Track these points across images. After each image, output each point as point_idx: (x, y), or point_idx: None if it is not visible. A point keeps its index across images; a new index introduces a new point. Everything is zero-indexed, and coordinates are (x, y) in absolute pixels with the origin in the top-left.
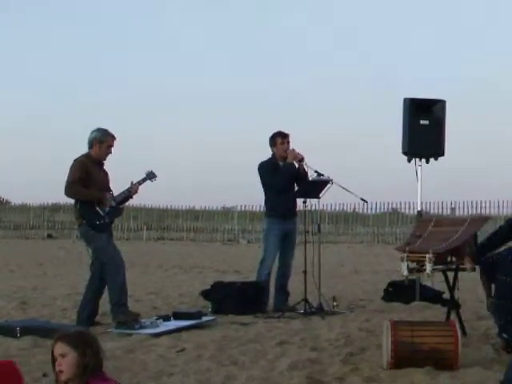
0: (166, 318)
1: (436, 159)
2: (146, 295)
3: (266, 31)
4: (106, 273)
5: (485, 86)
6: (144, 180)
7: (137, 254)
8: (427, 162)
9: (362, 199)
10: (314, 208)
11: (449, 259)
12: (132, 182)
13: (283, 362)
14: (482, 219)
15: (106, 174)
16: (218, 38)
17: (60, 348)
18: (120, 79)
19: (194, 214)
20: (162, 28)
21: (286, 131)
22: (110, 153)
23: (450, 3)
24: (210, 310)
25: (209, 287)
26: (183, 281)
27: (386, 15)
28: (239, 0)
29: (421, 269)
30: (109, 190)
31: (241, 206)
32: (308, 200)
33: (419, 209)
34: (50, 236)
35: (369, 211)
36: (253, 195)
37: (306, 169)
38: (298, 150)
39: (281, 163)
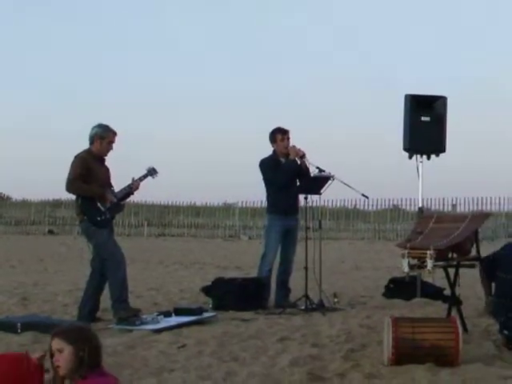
0: (167, 314)
1: (437, 156)
2: (146, 291)
3: (265, 31)
4: (107, 269)
5: (486, 85)
6: (145, 176)
7: (138, 250)
8: (428, 158)
9: (363, 195)
10: (315, 204)
11: (450, 256)
12: (133, 179)
13: (284, 358)
14: (483, 216)
15: (107, 169)
16: (218, 38)
17: (57, 343)
18: (120, 79)
19: (195, 210)
20: (162, 28)
21: (287, 128)
22: (111, 149)
23: (451, 2)
24: (210, 306)
25: (210, 283)
26: (184, 277)
27: (387, 15)
28: (239, 0)
29: (422, 265)
30: (110, 186)
31: (242, 202)
32: (309, 196)
33: (420, 205)
34: (50, 232)
35: (370, 208)
36: (254, 191)
37: (307, 165)
38: (298, 147)
39: (282, 159)
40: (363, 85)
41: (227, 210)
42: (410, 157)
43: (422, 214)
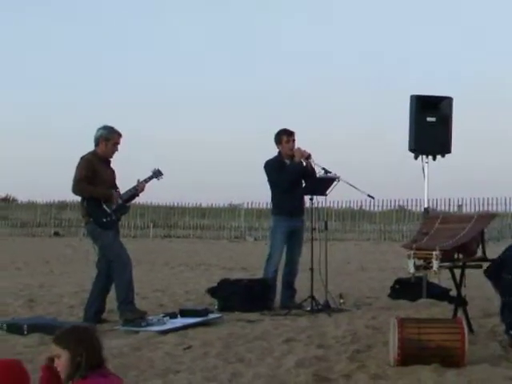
0: (173, 316)
1: (443, 156)
2: (152, 292)
3: (265, 31)
4: (113, 270)
5: (492, 85)
6: (150, 178)
7: (143, 252)
8: (434, 159)
9: (369, 195)
10: (320, 205)
11: (456, 256)
12: (138, 180)
13: (290, 359)
14: (489, 216)
15: (112, 171)
16: (218, 38)
17: (54, 349)
18: (120, 79)
19: (200, 212)
20: (162, 28)
21: (292, 129)
22: (117, 150)
23: (453, 2)
24: (216, 307)
25: (215, 284)
26: (190, 278)
27: (387, 15)
28: (239, 0)
29: (427, 266)
30: (115, 187)
31: (247, 203)
32: (315, 197)
33: (426, 206)
34: (56, 234)
35: (375, 208)
36: (259, 192)
37: (313, 166)
38: (304, 148)
39: (287, 161)
40: (370, 82)
41: (233, 211)
42: (416, 157)
43: (428, 215)
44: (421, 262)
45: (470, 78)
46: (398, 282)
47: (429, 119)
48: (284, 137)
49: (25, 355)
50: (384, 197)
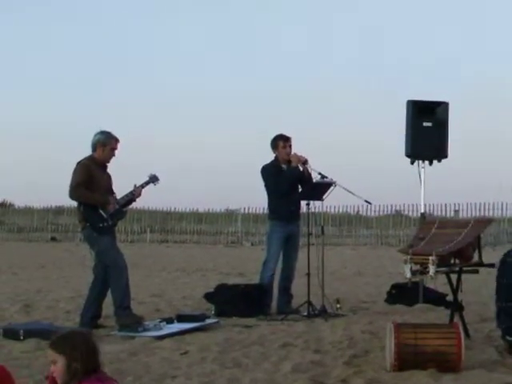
0: (170, 321)
1: (439, 161)
2: (149, 298)
3: (266, 31)
4: (109, 275)
5: (488, 88)
6: (147, 183)
7: (140, 257)
8: (430, 163)
9: (366, 201)
10: (317, 210)
11: (452, 261)
12: (135, 185)
13: (286, 364)
14: (486, 221)
15: (109, 176)
16: (218, 38)
17: (51, 355)
18: (121, 80)
19: (197, 217)
20: (162, 28)
21: (288, 134)
22: (114, 155)
23: (454, 3)
24: (213, 312)
25: (212, 290)
26: (187, 283)
27: (389, 15)
28: (239, 0)
29: (424, 271)
30: (112, 192)
31: (244, 208)
32: (311, 202)
33: (422, 211)
34: (53, 239)
35: (372, 213)
36: (256, 197)
37: (309, 171)
38: (300, 153)
39: (284, 166)
40: (366, 86)
41: (230, 216)
42: (412, 162)
43: (425, 220)
44: (417, 267)
45: (467, 81)
46: (395, 286)
47: (425, 124)
48: (280, 142)
49: (21, 360)
50: (381, 202)
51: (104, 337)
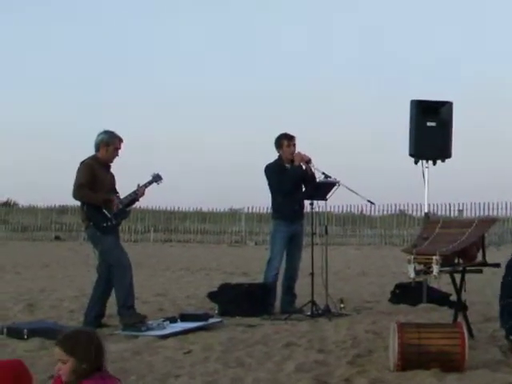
0: (173, 320)
1: (443, 161)
2: (153, 297)
3: (266, 31)
4: (113, 275)
5: (489, 87)
6: (150, 183)
7: (144, 256)
8: (434, 163)
9: (369, 201)
10: (321, 210)
11: (456, 261)
12: (138, 185)
13: (290, 363)
14: (490, 221)
15: (112, 176)
16: (218, 38)
17: (59, 354)
18: (121, 81)
19: (201, 216)
20: (162, 28)
21: (292, 133)
22: (117, 155)
23: (454, 3)
24: (216, 311)
25: (216, 289)
26: (190, 283)
27: (391, 16)
28: (239, 0)
29: (428, 271)
30: (115, 192)
31: (248, 207)
32: (315, 202)
33: (426, 211)
34: (57, 238)
35: (376, 213)
36: (260, 197)
37: (313, 170)
38: (304, 152)
39: (287, 165)
40: (368, 85)
41: (233, 215)
42: (416, 162)
43: (428, 220)
44: (421, 267)
45: (469, 81)
46: (399, 286)
47: (429, 124)
48: (285, 141)
49: (25, 360)
50: (385, 201)
51: (108, 336)
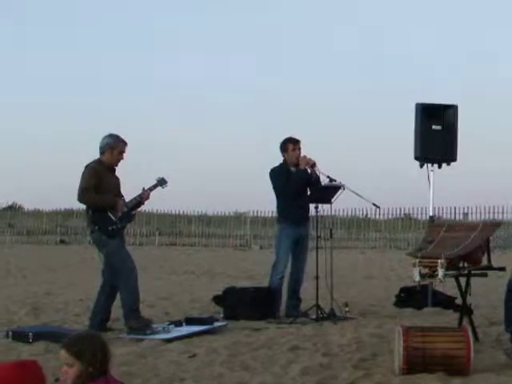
0: (178, 324)
1: (448, 164)
2: (158, 300)
3: (266, 31)
4: (119, 278)
5: (497, 90)
6: (155, 186)
7: (149, 260)
8: (439, 167)
9: (374, 204)
10: (326, 213)
11: (461, 265)
12: (143, 189)
13: (295, 367)
14: (495, 224)
15: (117, 179)
16: (219, 40)
17: (65, 357)
18: (123, 83)
19: (206, 220)
20: (163, 29)
21: (297, 137)
22: (122, 159)
23: (456, 5)
24: (221, 315)
25: (221, 293)
26: (195, 286)
27: (393, 18)
28: (240, 1)
29: (433, 274)
30: (120, 195)
31: (253, 211)
32: (320, 205)
33: (431, 214)
34: (62, 241)
35: (381, 217)
36: (265, 200)
37: (318, 174)
38: (309, 156)
39: (292, 169)
40: (375, 88)
41: (238, 219)
42: (421, 166)
43: (433, 223)
44: (426, 271)
45: (476, 83)
46: (404, 290)
47: (434, 127)
48: (290, 145)
49: None
50: (390, 205)
51: (113, 339)
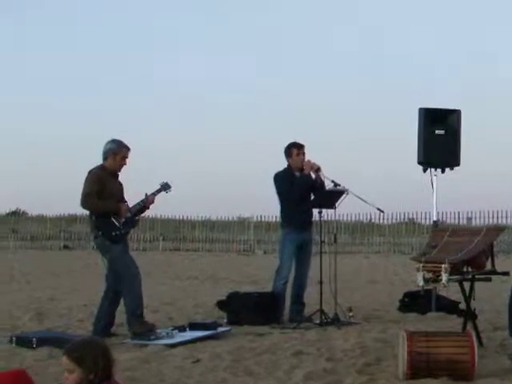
0: (182, 329)
1: (452, 169)
2: (161, 306)
3: (266, 32)
4: (122, 283)
5: (497, 90)
6: (159, 191)
7: (153, 265)
8: (443, 171)
9: (379, 209)
10: (329, 218)
11: (465, 269)
12: (146, 194)
13: (299, 372)
14: (498, 229)
15: (120, 185)
16: (220, 41)
17: (66, 364)
18: (123, 83)
19: (209, 225)
20: (162, 30)
21: (299, 139)
22: (125, 164)
23: (459, 7)
24: (225, 320)
25: (225, 298)
26: (199, 291)
27: (397, 19)
28: (240, 1)
29: (437, 279)
30: (123, 201)
31: (257, 216)
32: (324, 210)
33: (435, 219)
34: (66, 247)
35: (385, 221)
36: (269, 205)
37: (322, 178)
38: (313, 161)
39: (297, 174)
40: (378, 92)
41: (242, 224)
42: (425, 170)
43: (437, 228)
44: (430, 275)
45: (479, 88)
46: (408, 295)
47: (437, 132)
48: (294, 150)
49: (34, 369)
50: (393, 210)
51: (116, 345)
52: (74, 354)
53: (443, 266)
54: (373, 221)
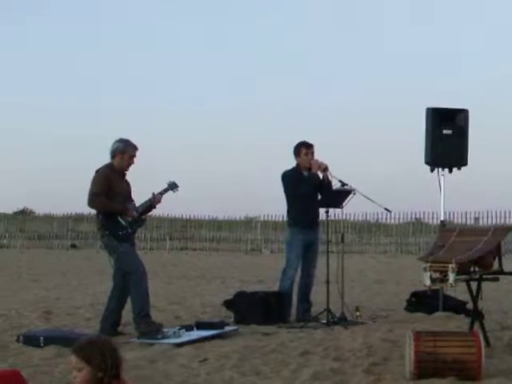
0: (189, 328)
1: (459, 169)
2: (168, 305)
3: (267, 32)
4: (129, 283)
5: (505, 93)
6: (166, 190)
7: (160, 264)
8: (450, 171)
9: (386, 209)
10: (337, 218)
11: (472, 269)
12: (154, 193)
13: (306, 372)
14: (506, 229)
15: (128, 184)
16: (220, 41)
17: (75, 362)
18: (122, 85)
19: (217, 224)
20: (163, 29)
21: (311, 141)
22: (133, 163)
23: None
24: (232, 319)
25: (231, 297)
26: (206, 291)
27: (396, 19)
28: (240, 1)
29: (444, 279)
30: (131, 200)
31: (264, 215)
32: (331, 210)
33: (442, 219)
34: (73, 246)
35: (392, 221)
36: (275, 205)
37: (330, 178)
38: (321, 160)
39: (305, 173)
40: (383, 92)
41: (249, 223)
42: (432, 170)
43: (444, 228)
44: (437, 275)
45: (487, 87)
46: (415, 294)
47: (445, 132)
48: (303, 149)
49: (41, 367)
50: (401, 209)
51: (123, 344)
52: (82, 352)
53: (450, 265)
54: (380, 220)
